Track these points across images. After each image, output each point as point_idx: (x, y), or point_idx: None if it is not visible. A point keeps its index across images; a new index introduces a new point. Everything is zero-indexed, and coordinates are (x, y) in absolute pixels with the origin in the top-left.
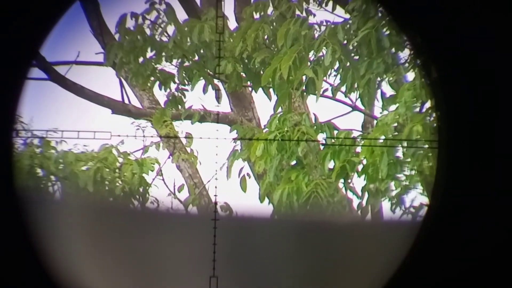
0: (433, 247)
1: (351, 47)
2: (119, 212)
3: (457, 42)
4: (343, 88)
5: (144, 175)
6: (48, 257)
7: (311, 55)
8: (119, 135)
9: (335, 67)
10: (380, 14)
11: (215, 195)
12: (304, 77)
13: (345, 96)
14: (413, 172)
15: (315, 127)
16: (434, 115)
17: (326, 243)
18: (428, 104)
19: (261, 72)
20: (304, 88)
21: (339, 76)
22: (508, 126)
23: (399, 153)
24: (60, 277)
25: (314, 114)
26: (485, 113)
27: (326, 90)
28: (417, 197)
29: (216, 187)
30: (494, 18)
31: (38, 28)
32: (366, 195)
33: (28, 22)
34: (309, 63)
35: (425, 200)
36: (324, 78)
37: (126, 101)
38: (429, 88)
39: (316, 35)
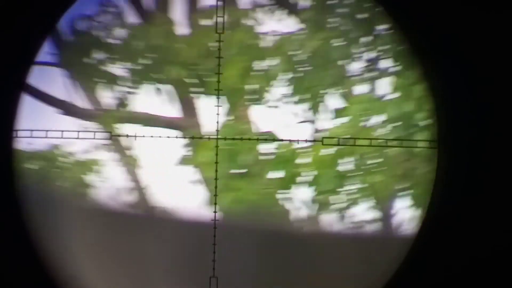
0: (432, 248)
1: (300, 58)
2: (116, 213)
3: (457, 42)
4: (292, 99)
5: (86, 176)
6: (46, 256)
7: (259, 64)
8: (118, 135)
9: (285, 78)
10: (331, 26)
11: (215, 195)
12: (251, 87)
13: (296, 104)
14: (360, 186)
15: (260, 136)
16: (433, 116)
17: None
18: (377, 118)
19: (209, 80)
20: (251, 97)
21: (287, 87)
22: (507, 127)
23: (350, 166)
24: (59, 277)
25: (261, 124)
26: (484, 114)
27: (274, 100)
28: (366, 211)
29: (216, 187)
30: (490, 18)
31: (36, 29)
32: (311, 207)
33: (26, 24)
34: (257, 73)
35: (373, 214)
36: (271, 88)
37: (74, 103)
38: (429, 90)
39: (265, 45)
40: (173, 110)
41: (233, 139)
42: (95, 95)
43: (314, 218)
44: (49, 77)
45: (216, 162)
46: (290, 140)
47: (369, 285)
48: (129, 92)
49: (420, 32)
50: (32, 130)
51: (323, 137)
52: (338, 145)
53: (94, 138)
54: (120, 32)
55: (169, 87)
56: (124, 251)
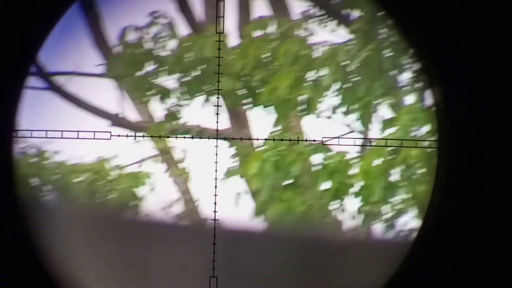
0: (432, 249)
1: (351, 69)
2: (116, 216)
3: (457, 43)
4: (342, 109)
5: (137, 188)
6: (47, 260)
7: (311, 75)
8: (119, 135)
9: (334, 88)
10: (382, 36)
11: (215, 195)
12: (302, 97)
13: (343, 118)
14: (408, 196)
15: (311, 147)
16: (434, 114)
17: (318, 258)
18: (426, 128)
19: (260, 90)
20: (302, 108)
21: (338, 97)
22: (507, 127)
23: (395, 176)
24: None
25: (311, 134)
26: (485, 113)
27: (324, 110)
28: (410, 221)
29: (215, 187)
30: (491, 18)
31: (36, 30)
32: (359, 217)
33: (26, 24)
34: (308, 83)
35: (418, 224)
36: (323, 98)
37: (125, 115)
38: (429, 90)
39: (316, 55)
40: (223, 121)
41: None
42: (146, 107)
43: (361, 228)
44: (99, 89)
45: (216, 162)
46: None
47: None
48: (179, 104)
49: (420, 32)
50: (32, 130)
51: (323, 137)
52: (338, 144)
53: (94, 138)
54: (170, 43)
55: (219, 99)
56: (125, 254)
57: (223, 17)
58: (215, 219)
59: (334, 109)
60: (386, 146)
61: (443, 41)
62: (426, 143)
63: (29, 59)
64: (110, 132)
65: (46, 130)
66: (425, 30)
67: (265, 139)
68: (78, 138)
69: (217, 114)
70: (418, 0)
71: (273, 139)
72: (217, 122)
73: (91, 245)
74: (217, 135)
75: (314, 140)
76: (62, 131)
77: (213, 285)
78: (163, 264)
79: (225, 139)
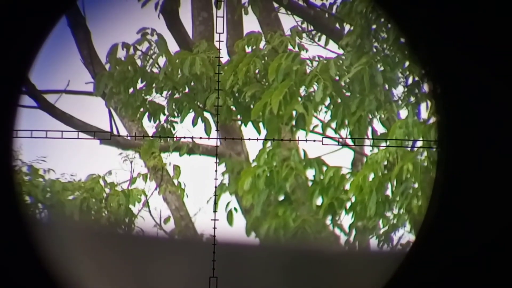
0: (432, 250)
1: (343, 83)
2: (110, 232)
3: (457, 43)
4: (334, 124)
5: (130, 206)
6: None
7: (302, 90)
8: (118, 135)
9: (326, 103)
10: (374, 50)
11: (215, 195)
12: (294, 112)
13: (335, 133)
14: (401, 211)
15: (304, 163)
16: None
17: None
18: (419, 143)
19: (251, 106)
20: (294, 123)
21: (329, 112)
22: (507, 127)
23: (388, 191)
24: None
25: (304, 150)
26: (485, 114)
27: (316, 126)
28: (405, 235)
29: (215, 187)
30: (491, 19)
31: (37, 30)
32: (354, 232)
33: (27, 25)
34: (300, 98)
35: (412, 238)
36: (315, 113)
37: (115, 132)
38: (430, 91)
39: (308, 70)
40: (214, 138)
41: (275, 166)
42: (138, 124)
43: (357, 243)
44: (89, 107)
45: (216, 162)
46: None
47: None
48: (171, 121)
49: (421, 33)
50: (32, 130)
51: (323, 137)
52: (338, 144)
53: (94, 138)
54: (161, 60)
55: (210, 115)
56: (122, 270)
57: (223, 17)
58: (215, 219)
59: (326, 125)
60: (387, 146)
61: (444, 42)
62: (427, 144)
63: (29, 58)
64: (110, 132)
65: (46, 130)
66: (426, 31)
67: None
68: (78, 138)
69: (217, 114)
70: (419, 3)
71: (273, 139)
72: (217, 122)
73: (87, 260)
74: (216, 151)
75: (315, 141)
76: (62, 131)
77: (213, 285)
78: (159, 280)
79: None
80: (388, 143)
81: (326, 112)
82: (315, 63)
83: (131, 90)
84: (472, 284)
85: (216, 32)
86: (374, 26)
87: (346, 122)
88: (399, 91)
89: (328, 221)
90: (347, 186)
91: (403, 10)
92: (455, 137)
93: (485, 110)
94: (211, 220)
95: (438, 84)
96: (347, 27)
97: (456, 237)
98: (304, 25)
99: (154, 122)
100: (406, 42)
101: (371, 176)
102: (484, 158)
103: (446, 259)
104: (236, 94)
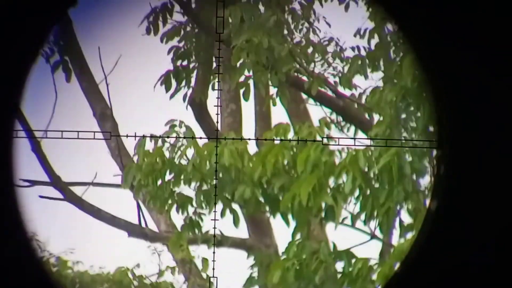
0: (432, 250)
1: (372, 175)
2: None
3: (457, 43)
4: (363, 216)
5: None
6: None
7: (331, 181)
8: (119, 135)
9: (355, 195)
10: (403, 140)
11: (215, 195)
12: (323, 204)
13: (364, 224)
14: None
15: (333, 255)
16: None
17: None
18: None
19: (280, 198)
20: (323, 215)
21: (358, 203)
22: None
23: None
24: None
25: (333, 242)
26: (485, 114)
27: (345, 218)
28: None
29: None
30: (491, 19)
31: (37, 30)
32: None
33: (28, 25)
34: (328, 190)
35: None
36: (344, 205)
37: (143, 224)
38: (430, 90)
39: (337, 161)
40: (242, 230)
41: (304, 259)
42: (165, 216)
43: None
44: (117, 199)
45: (216, 162)
46: (359, 258)
47: None
48: (199, 213)
49: (421, 33)
50: (32, 131)
51: (323, 137)
52: (339, 144)
53: (94, 138)
54: (189, 152)
55: (239, 207)
56: None
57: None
58: (215, 219)
59: (355, 216)
60: (387, 146)
61: (444, 42)
62: (427, 143)
63: (29, 58)
64: (110, 132)
65: (46, 131)
66: (427, 32)
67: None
68: (78, 138)
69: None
70: (421, 4)
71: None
72: (217, 122)
73: None
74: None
75: (314, 140)
76: (62, 131)
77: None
78: None
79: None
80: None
81: (355, 204)
82: (344, 154)
83: (159, 182)
84: (472, 284)
85: (217, 17)
86: (403, 115)
87: (375, 213)
88: (425, 180)
89: None
90: (374, 276)
91: (403, 10)
92: (455, 137)
93: (485, 110)
94: (211, 220)
95: (438, 84)
96: (376, 116)
97: (456, 237)
98: (333, 116)
99: (182, 214)
100: (406, 42)
101: (397, 265)
102: (484, 158)
103: (446, 259)
104: (265, 186)
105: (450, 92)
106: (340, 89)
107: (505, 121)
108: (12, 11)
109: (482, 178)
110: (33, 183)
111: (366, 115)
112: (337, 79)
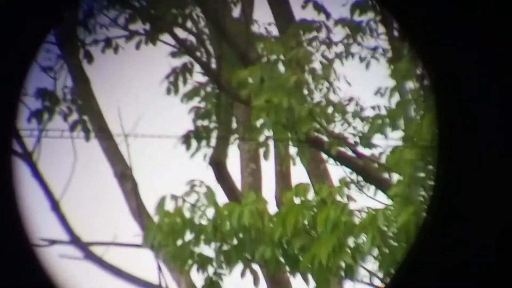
0: (432, 250)
1: (390, 234)
2: None
3: (458, 49)
4: (380, 274)
5: None
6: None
7: (351, 241)
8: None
9: (374, 252)
10: (421, 198)
11: None
12: (342, 263)
13: (382, 282)
14: None
15: None
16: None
17: None
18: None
19: (300, 258)
20: (342, 274)
21: (377, 261)
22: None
23: None
24: None
25: None
26: (485, 114)
27: (364, 276)
28: None
29: None
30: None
31: (37, 31)
32: None
33: (28, 25)
34: (348, 250)
35: None
36: (363, 263)
37: (163, 284)
38: (431, 90)
39: (357, 220)
40: None
41: None
42: (186, 276)
43: None
44: (138, 259)
45: None
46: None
47: None
48: (219, 273)
49: (421, 33)
50: (32, 130)
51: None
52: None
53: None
54: (209, 212)
55: (259, 267)
56: None
57: None
58: None
59: (373, 274)
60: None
61: (444, 43)
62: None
63: (29, 58)
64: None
65: (46, 130)
66: (427, 33)
67: None
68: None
69: None
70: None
71: None
72: None
73: None
74: None
75: None
76: (62, 130)
77: None
78: None
79: None
80: None
81: (374, 262)
82: (363, 214)
83: (179, 242)
84: (472, 284)
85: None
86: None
87: (392, 271)
88: None
89: None
90: None
91: (403, 10)
92: (455, 137)
93: (485, 110)
94: None
95: (438, 84)
96: (395, 176)
97: (456, 237)
98: (353, 175)
99: (203, 274)
100: (406, 42)
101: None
102: (484, 158)
103: (446, 259)
104: (285, 246)
105: (450, 92)
106: (360, 148)
107: (505, 121)
108: (12, 11)
109: (482, 178)
110: (53, 242)
111: (386, 175)
112: (357, 139)
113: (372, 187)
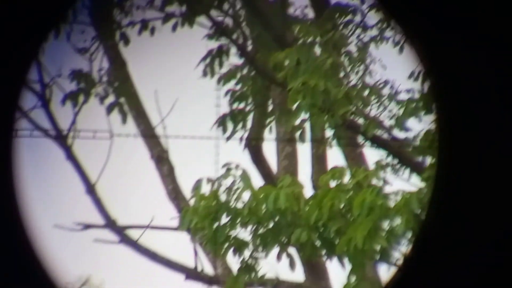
0: (432, 250)
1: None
2: None
3: (458, 48)
4: None
5: None
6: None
7: (386, 224)
8: (124, 133)
9: (408, 236)
10: None
11: None
12: (378, 247)
13: None
14: None
15: None
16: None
17: None
18: None
19: (336, 241)
20: (377, 257)
21: (411, 245)
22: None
23: None
24: None
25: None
26: (485, 113)
27: (398, 259)
28: None
29: None
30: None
31: (38, 29)
32: None
33: (28, 24)
34: (383, 233)
35: None
36: (397, 245)
37: (199, 268)
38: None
39: (391, 204)
40: (298, 274)
41: None
42: (222, 260)
43: None
44: (174, 242)
45: None
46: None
47: None
48: (255, 257)
49: (421, 33)
50: (32, 130)
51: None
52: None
53: (93, 138)
54: (245, 195)
55: (294, 250)
56: None
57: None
58: None
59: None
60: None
61: (442, 42)
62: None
63: (30, 58)
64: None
65: (46, 130)
66: (427, 32)
67: None
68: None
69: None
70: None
71: None
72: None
73: None
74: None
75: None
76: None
77: None
78: None
79: None
80: None
81: (407, 245)
82: (398, 197)
83: (215, 225)
84: (472, 284)
85: None
86: None
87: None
88: None
89: None
90: None
91: (403, 10)
92: (455, 137)
93: (485, 110)
94: None
95: (438, 84)
96: (428, 159)
97: (456, 237)
98: (388, 159)
99: (239, 257)
100: (406, 41)
101: None
102: (484, 158)
103: (446, 259)
104: (321, 229)
105: (450, 92)
106: (395, 131)
107: (505, 121)
108: (12, 11)
109: (482, 178)
110: (88, 226)
111: (419, 158)
112: (392, 122)
113: (406, 170)
